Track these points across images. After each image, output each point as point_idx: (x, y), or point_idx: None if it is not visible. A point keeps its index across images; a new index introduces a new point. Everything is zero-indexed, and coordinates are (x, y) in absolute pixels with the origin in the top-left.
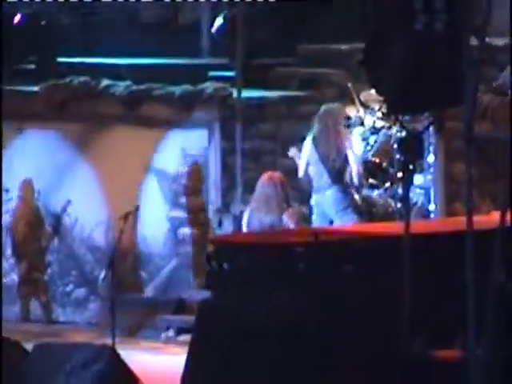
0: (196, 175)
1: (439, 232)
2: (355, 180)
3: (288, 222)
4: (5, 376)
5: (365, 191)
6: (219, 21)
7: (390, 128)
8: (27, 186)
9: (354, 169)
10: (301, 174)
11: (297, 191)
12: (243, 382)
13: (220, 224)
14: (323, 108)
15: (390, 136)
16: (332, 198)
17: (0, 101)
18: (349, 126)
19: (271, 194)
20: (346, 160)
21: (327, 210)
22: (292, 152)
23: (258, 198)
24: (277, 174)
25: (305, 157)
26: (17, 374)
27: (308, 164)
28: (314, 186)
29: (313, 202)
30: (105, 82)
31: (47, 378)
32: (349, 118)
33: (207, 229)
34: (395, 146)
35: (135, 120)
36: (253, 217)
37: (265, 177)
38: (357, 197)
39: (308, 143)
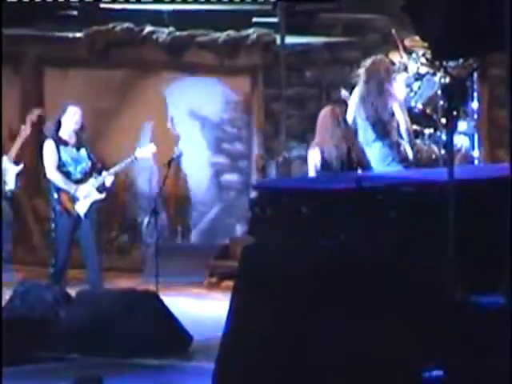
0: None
1: (483, 178)
2: (404, 136)
3: (355, 155)
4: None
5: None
6: None
7: (433, 74)
8: None
9: (403, 125)
10: (349, 121)
11: None
12: (287, 327)
13: (263, 170)
14: (369, 61)
15: (434, 82)
16: (378, 152)
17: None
18: (393, 73)
19: (336, 127)
20: (392, 115)
21: (375, 163)
22: (343, 93)
23: (323, 132)
24: (337, 109)
25: (352, 107)
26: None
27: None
28: (359, 139)
29: None
30: (148, 29)
31: (91, 324)
32: (393, 64)
33: (250, 175)
34: (439, 92)
35: (178, 66)
36: (322, 151)
37: (326, 111)
38: (407, 151)
39: (355, 95)
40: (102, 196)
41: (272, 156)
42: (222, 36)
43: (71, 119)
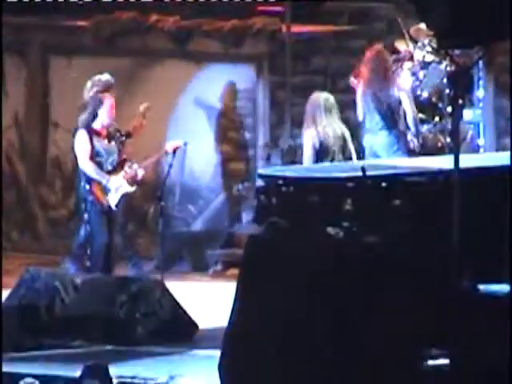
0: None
1: (487, 166)
2: (411, 125)
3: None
4: (57, 308)
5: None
6: None
7: (439, 62)
8: None
9: (410, 114)
10: (360, 117)
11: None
12: (292, 315)
13: (268, 158)
14: (368, 51)
15: (440, 70)
16: (384, 141)
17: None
18: (398, 61)
19: (325, 115)
20: (398, 104)
21: (379, 152)
22: (352, 80)
23: (312, 119)
24: (325, 96)
25: (360, 96)
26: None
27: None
28: (365, 127)
29: (365, 142)
30: (153, 17)
31: (97, 311)
32: (398, 52)
33: (255, 163)
34: (445, 80)
35: (184, 55)
36: (315, 138)
37: (315, 97)
38: (412, 141)
39: (361, 85)
40: (133, 189)
41: (277, 144)
42: (227, 24)
43: (108, 112)
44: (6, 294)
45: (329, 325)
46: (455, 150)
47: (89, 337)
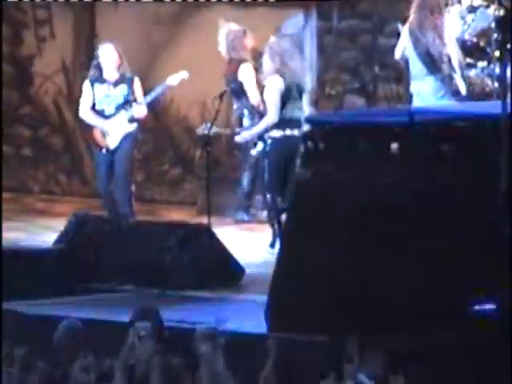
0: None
1: None
2: (456, 69)
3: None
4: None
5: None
6: None
7: (487, 6)
8: None
9: (455, 58)
10: (397, 56)
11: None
12: (338, 260)
13: (316, 104)
14: None
15: (488, 14)
16: (430, 86)
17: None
18: (446, 5)
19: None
20: (444, 48)
21: (426, 98)
22: (400, 27)
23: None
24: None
25: (403, 40)
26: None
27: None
28: (411, 73)
29: (412, 88)
30: None
31: (145, 256)
32: None
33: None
34: (493, 24)
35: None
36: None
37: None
38: (458, 84)
39: (406, 28)
40: (133, 126)
41: (324, 89)
42: None
43: (106, 57)
44: (54, 238)
45: (375, 271)
46: (503, 95)
47: (137, 281)
